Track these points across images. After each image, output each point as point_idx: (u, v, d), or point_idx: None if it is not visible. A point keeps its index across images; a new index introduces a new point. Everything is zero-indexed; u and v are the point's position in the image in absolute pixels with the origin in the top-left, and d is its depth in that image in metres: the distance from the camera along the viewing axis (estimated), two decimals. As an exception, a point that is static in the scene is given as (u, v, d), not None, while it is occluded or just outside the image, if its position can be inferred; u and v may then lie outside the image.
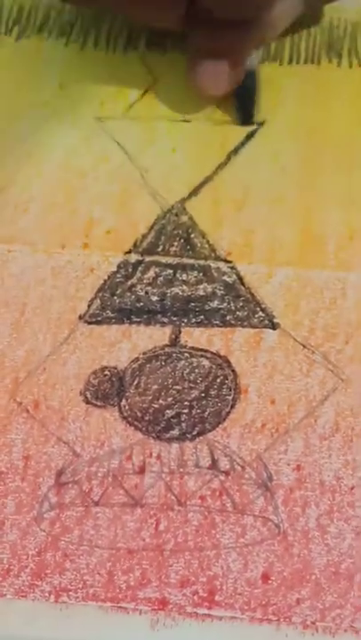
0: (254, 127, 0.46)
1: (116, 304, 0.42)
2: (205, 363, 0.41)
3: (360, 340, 0.41)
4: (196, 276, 0.43)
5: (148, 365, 0.41)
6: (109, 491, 0.38)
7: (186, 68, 0.44)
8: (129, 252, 0.43)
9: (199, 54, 0.42)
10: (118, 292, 0.42)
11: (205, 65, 0.42)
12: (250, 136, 0.46)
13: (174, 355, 0.41)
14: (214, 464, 0.39)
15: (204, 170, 0.45)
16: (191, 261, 0.43)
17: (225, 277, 0.43)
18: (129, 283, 0.43)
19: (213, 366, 0.41)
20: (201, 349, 0.41)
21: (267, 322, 0.42)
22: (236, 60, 0.43)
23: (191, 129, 0.46)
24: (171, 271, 0.43)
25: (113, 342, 0.41)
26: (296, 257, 0.43)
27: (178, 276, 0.43)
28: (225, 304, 0.42)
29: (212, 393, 0.40)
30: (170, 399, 0.40)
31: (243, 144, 0.45)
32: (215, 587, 0.37)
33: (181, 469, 0.39)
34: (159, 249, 0.43)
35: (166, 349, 0.41)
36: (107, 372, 0.41)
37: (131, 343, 0.41)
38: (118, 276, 0.43)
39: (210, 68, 0.42)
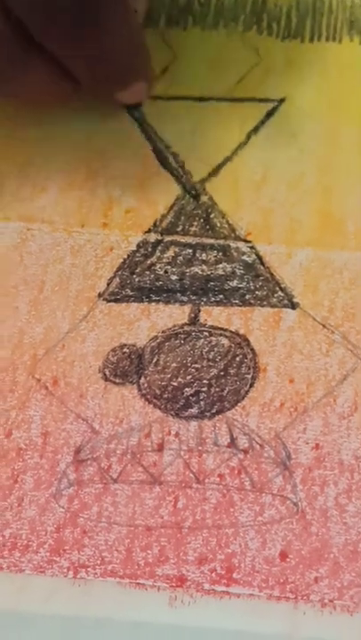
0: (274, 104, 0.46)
1: (135, 283, 0.42)
2: (225, 341, 0.41)
3: (380, 320, 0.41)
4: (215, 256, 0.43)
5: (167, 343, 0.41)
6: (128, 468, 0.39)
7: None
8: (148, 231, 0.43)
9: (109, 95, 0.43)
10: (138, 270, 0.42)
11: (121, 95, 0.43)
12: (270, 114, 0.45)
13: (193, 333, 0.41)
14: (233, 442, 0.39)
15: (224, 150, 0.45)
16: (211, 241, 0.43)
17: (244, 257, 0.42)
18: (148, 262, 0.43)
19: (233, 345, 0.41)
20: (220, 328, 0.41)
21: (286, 301, 0.41)
22: (143, 75, 0.43)
23: (211, 108, 0.46)
24: (190, 250, 0.43)
25: (132, 320, 0.41)
26: (316, 237, 0.43)
27: (197, 255, 0.43)
28: (244, 283, 0.42)
29: (231, 372, 0.40)
30: (189, 377, 0.40)
31: (262, 122, 0.45)
32: (233, 564, 0.37)
33: (200, 447, 0.39)
34: (179, 229, 0.43)
35: (185, 328, 0.41)
36: (126, 350, 0.41)
37: (150, 321, 0.41)
38: (138, 255, 0.43)
39: (127, 93, 0.43)
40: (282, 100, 0.46)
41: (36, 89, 0.41)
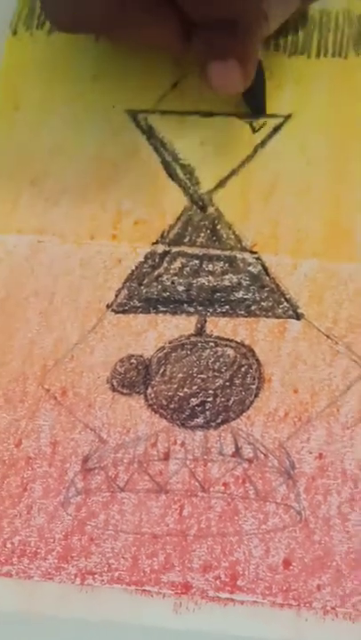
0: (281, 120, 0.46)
1: (142, 294, 0.43)
2: (230, 352, 0.41)
3: (384, 330, 0.42)
4: (221, 267, 0.43)
5: (173, 354, 0.41)
6: (135, 477, 0.39)
7: (198, 72, 0.43)
8: (156, 242, 0.44)
9: (206, 57, 0.43)
10: (145, 281, 0.43)
11: (215, 66, 0.42)
12: (277, 129, 0.46)
13: (200, 344, 0.42)
14: (238, 452, 0.39)
15: (232, 162, 0.46)
16: (217, 252, 0.44)
17: (250, 268, 0.43)
18: (156, 273, 0.43)
19: (238, 355, 0.41)
20: (226, 339, 0.42)
21: (291, 312, 0.42)
22: (243, 58, 0.43)
23: (219, 122, 0.47)
24: (197, 261, 0.43)
25: (139, 331, 0.42)
26: (322, 249, 0.44)
27: (204, 266, 0.43)
28: (250, 294, 0.43)
29: (237, 382, 0.41)
30: (195, 387, 0.41)
31: (270, 137, 0.46)
32: (237, 572, 0.38)
33: (205, 457, 0.39)
34: (186, 240, 0.44)
35: (192, 339, 0.42)
36: (133, 361, 0.41)
37: (157, 332, 0.42)
38: (145, 266, 0.43)
39: (220, 69, 0.42)
40: (288, 116, 0.46)
41: (157, 38, 0.42)
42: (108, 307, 0.43)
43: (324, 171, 0.45)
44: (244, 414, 0.40)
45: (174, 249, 0.44)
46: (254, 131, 0.46)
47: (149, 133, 0.47)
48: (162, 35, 0.42)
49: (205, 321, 0.42)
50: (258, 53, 0.43)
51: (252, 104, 0.46)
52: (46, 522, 0.39)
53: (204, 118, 0.47)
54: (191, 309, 0.42)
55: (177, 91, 0.48)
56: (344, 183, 0.45)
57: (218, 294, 0.43)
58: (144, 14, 0.41)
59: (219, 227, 0.44)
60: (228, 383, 0.41)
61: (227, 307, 0.42)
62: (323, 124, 0.46)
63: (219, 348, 0.41)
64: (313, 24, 0.48)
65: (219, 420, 0.40)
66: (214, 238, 0.44)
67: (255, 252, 0.43)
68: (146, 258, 0.44)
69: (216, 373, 0.41)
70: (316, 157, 0.46)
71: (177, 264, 0.43)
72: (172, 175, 0.46)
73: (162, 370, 0.41)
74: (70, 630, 0.37)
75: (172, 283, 0.43)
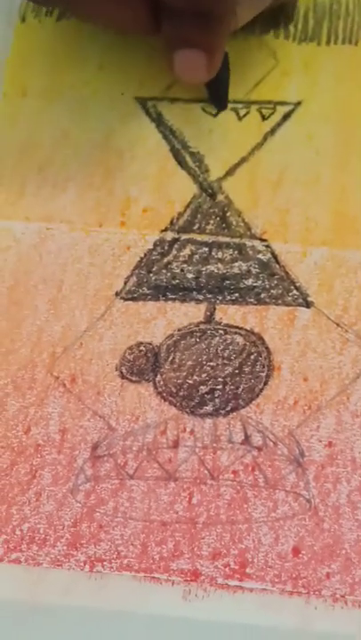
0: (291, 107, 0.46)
1: (151, 281, 0.43)
2: (239, 340, 0.41)
3: (394, 319, 0.42)
4: (231, 254, 0.43)
5: (182, 342, 0.41)
6: (144, 464, 0.39)
7: (164, 58, 0.43)
8: (165, 230, 0.44)
9: (173, 44, 0.42)
10: (154, 269, 0.43)
11: (181, 54, 0.42)
12: (287, 116, 0.46)
13: (209, 331, 0.42)
14: (247, 439, 0.39)
15: (241, 150, 0.46)
16: (227, 239, 0.43)
17: (260, 256, 0.43)
18: (165, 260, 0.43)
19: (247, 343, 0.41)
20: (235, 326, 0.42)
21: (301, 300, 0.42)
22: (211, 49, 0.42)
23: (228, 109, 0.46)
24: (206, 249, 0.43)
25: (148, 319, 0.42)
26: (331, 237, 0.43)
27: (213, 253, 0.43)
28: (259, 282, 0.42)
29: (246, 370, 0.41)
30: (204, 375, 0.41)
31: (279, 125, 0.46)
32: (246, 559, 0.38)
33: (215, 444, 0.39)
34: (195, 227, 0.44)
35: (201, 326, 0.42)
36: (142, 348, 0.41)
37: (166, 320, 0.42)
38: (154, 253, 0.43)
39: (186, 57, 0.42)
40: (298, 104, 0.46)
41: (124, 20, 0.42)
42: (116, 294, 0.43)
43: (334, 159, 0.45)
44: (254, 402, 0.40)
45: (183, 236, 0.44)
46: (264, 118, 0.46)
47: (158, 121, 0.47)
48: (128, 17, 0.42)
49: (215, 308, 0.42)
50: (224, 46, 0.43)
51: (215, 96, 0.46)
52: (55, 509, 0.39)
53: (212, 105, 0.46)
54: (200, 297, 0.42)
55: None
56: (353, 171, 0.45)
57: (227, 282, 0.43)
58: None
59: (228, 214, 0.44)
60: (237, 371, 0.41)
61: (236, 294, 0.42)
62: (332, 111, 0.46)
63: (228, 336, 0.41)
64: (323, 11, 0.48)
65: (228, 408, 0.40)
66: (224, 226, 0.44)
67: (265, 240, 0.43)
68: (155, 245, 0.44)
69: (225, 361, 0.41)
70: (326, 146, 0.46)
71: (186, 251, 0.43)
72: (181, 163, 0.45)
73: (171, 357, 0.41)
74: (79, 617, 0.37)
75: (182, 270, 0.43)
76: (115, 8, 0.42)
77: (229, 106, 0.46)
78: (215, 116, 0.46)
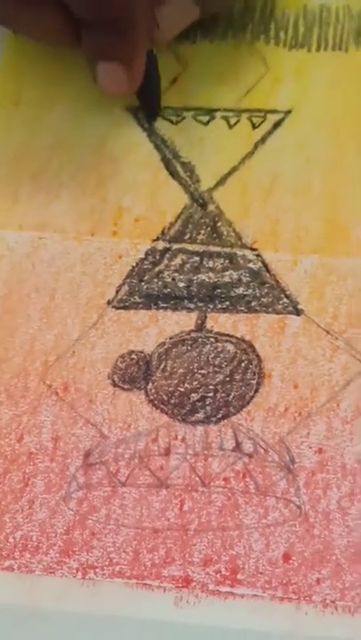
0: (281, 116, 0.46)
1: (143, 290, 0.43)
2: (230, 347, 0.42)
3: (383, 326, 0.42)
4: (222, 264, 0.43)
5: (174, 350, 0.42)
6: (135, 472, 0.40)
7: (89, 71, 0.44)
8: (157, 239, 0.44)
9: (93, 57, 0.43)
10: (146, 278, 0.43)
11: (100, 67, 0.43)
12: (277, 125, 0.46)
13: (200, 339, 0.42)
14: (238, 446, 0.40)
15: (232, 159, 0.46)
16: (218, 249, 0.44)
17: (250, 265, 0.43)
18: (156, 269, 0.43)
19: (238, 351, 0.41)
20: (226, 334, 0.42)
21: (291, 308, 0.42)
22: (128, 60, 0.43)
23: (219, 118, 0.47)
24: (197, 258, 0.44)
25: (140, 327, 0.42)
26: (321, 245, 0.44)
27: (204, 263, 0.44)
28: (250, 290, 0.43)
29: (237, 377, 0.41)
30: (195, 383, 0.41)
31: (270, 133, 0.46)
32: (237, 566, 0.38)
33: (206, 451, 0.40)
34: (186, 237, 0.44)
35: (192, 334, 0.42)
36: (134, 356, 0.42)
37: (157, 328, 0.42)
38: (146, 262, 0.44)
39: (105, 69, 0.43)
40: (288, 112, 0.46)
41: (44, 32, 0.43)
42: (108, 303, 0.43)
43: (324, 167, 0.45)
44: (245, 409, 0.41)
45: (175, 246, 0.44)
46: (254, 127, 0.46)
47: (150, 130, 0.47)
48: (48, 29, 0.42)
49: (206, 317, 0.42)
50: (144, 57, 0.43)
51: (146, 106, 0.47)
52: (48, 516, 0.39)
53: (203, 114, 0.47)
54: (192, 305, 0.43)
55: (176, 86, 0.48)
56: (344, 179, 0.45)
57: (218, 290, 0.43)
58: (20, 5, 0.41)
59: (219, 224, 0.44)
60: (228, 378, 0.41)
61: (227, 303, 0.43)
62: (322, 119, 0.46)
63: (219, 344, 0.42)
64: (313, 18, 0.48)
65: (219, 415, 0.40)
66: (215, 236, 0.44)
67: (255, 249, 0.44)
68: (146, 254, 0.44)
69: (216, 369, 0.41)
70: (316, 154, 0.46)
71: (177, 261, 0.44)
72: (172, 173, 0.46)
73: (162, 365, 0.41)
74: (71, 624, 0.37)
75: (173, 279, 0.43)
76: (31, 18, 0.42)
77: (220, 114, 0.47)
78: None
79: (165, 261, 0.44)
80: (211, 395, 0.41)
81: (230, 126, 0.47)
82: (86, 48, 0.43)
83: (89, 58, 0.43)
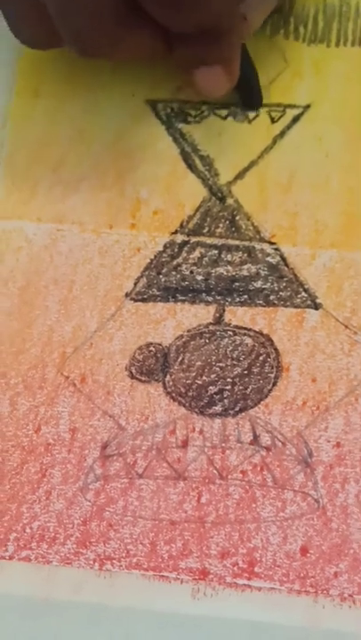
0: (300, 110, 0.46)
1: (161, 283, 0.43)
2: (248, 341, 0.42)
3: None
4: (240, 257, 0.43)
5: (192, 342, 0.42)
6: (153, 464, 0.40)
7: (183, 79, 0.44)
8: (175, 232, 0.44)
9: (189, 64, 0.42)
10: (164, 270, 0.43)
11: (199, 73, 0.42)
12: (296, 119, 0.46)
13: (218, 333, 0.42)
14: (256, 440, 0.40)
15: (251, 153, 0.46)
16: (236, 242, 0.44)
17: (269, 258, 0.43)
18: (175, 262, 0.43)
19: (256, 344, 0.41)
20: (244, 328, 0.42)
21: (309, 302, 0.42)
22: (226, 61, 0.42)
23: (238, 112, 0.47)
24: (216, 251, 0.44)
25: (158, 320, 0.42)
26: (340, 239, 0.44)
27: (223, 256, 0.43)
28: (268, 284, 0.43)
29: (255, 370, 0.41)
30: (213, 376, 0.41)
31: (289, 127, 0.46)
32: (255, 558, 0.38)
33: (223, 444, 0.40)
34: (205, 230, 0.44)
35: (210, 327, 0.42)
36: (152, 349, 0.42)
37: (175, 321, 0.42)
38: (164, 255, 0.44)
39: (204, 75, 0.42)
40: (307, 107, 0.46)
41: (137, 51, 0.42)
42: (126, 295, 0.43)
43: (343, 162, 0.45)
44: (262, 402, 0.41)
45: (193, 239, 0.44)
46: (273, 121, 0.46)
47: (168, 123, 0.47)
48: (141, 47, 0.41)
49: (224, 310, 0.42)
50: (239, 53, 0.43)
51: (246, 99, 0.46)
52: (65, 507, 0.39)
53: (222, 108, 0.47)
54: (210, 299, 0.43)
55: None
56: (361, 174, 0.45)
57: (236, 284, 0.43)
58: (119, 29, 0.40)
59: (238, 218, 0.44)
60: (246, 372, 0.41)
61: (245, 296, 0.43)
62: (341, 113, 0.46)
63: (237, 337, 0.42)
64: (333, 12, 0.48)
65: (237, 408, 0.40)
66: (233, 229, 0.44)
67: (274, 243, 0.44)
68: (165, 247, 0.44)
69: (234, 362, 0.41)
70: (335, 148, 0.46)
71: (196, 254, 0.44)
72: (190, 166, 0.46)
73: (180, 358, 0.41)
74: (88, 615, 0.38)
75: (191, 272, 0.43)
76: (132, 42, 0.41)
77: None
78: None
79: (184, 254, 0.44)
80: (229, 387, 0.41)
81: (249, 120, 0.46)
82: (182, 57, 0.42)
83: (184, 66, 0.43)
